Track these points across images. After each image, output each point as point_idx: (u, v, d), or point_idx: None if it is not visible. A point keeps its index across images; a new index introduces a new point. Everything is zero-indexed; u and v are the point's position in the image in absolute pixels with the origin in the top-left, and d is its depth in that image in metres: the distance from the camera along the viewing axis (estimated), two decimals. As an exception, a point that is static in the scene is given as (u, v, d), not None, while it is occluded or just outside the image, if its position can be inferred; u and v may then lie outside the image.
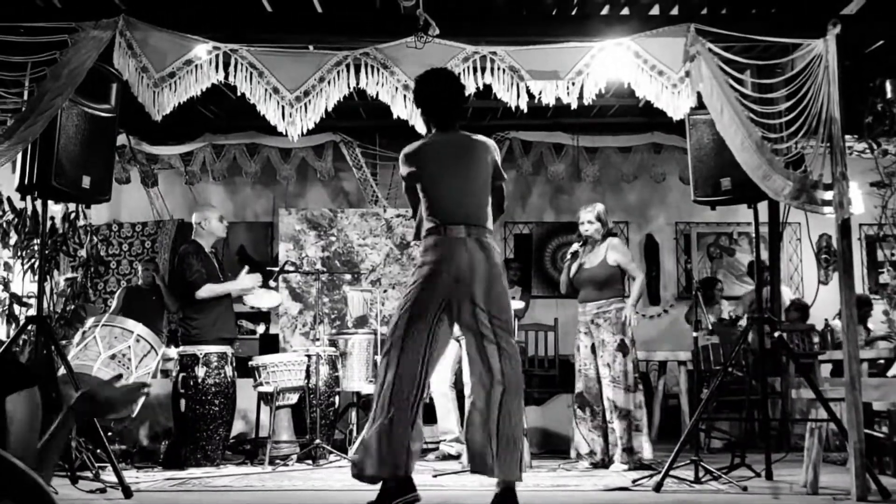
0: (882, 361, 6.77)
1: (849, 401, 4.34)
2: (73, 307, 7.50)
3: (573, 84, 4.98)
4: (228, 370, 6.14)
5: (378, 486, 3.77)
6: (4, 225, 7.32)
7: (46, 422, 2.35)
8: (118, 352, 5.39)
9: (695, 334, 5.55)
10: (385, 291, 8.72)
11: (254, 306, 6.70)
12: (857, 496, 4.21)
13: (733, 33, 4.95)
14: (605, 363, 5.82)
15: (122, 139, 7.91)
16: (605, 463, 5.82)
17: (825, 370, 7.89)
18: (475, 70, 5.00)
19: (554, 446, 6.98)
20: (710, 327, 6.65)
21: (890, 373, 6.30)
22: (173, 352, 6.46)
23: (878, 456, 5.43)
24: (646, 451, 5.76)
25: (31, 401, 2.27)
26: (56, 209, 7.22)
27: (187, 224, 9.26)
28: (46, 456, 2.31)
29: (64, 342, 5.72)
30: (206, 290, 6.17)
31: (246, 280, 6.41)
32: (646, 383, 7.28)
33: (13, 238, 7.27)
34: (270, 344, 8.32)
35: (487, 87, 5.10)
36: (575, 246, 6.02)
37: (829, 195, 4.51)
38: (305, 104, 5.01)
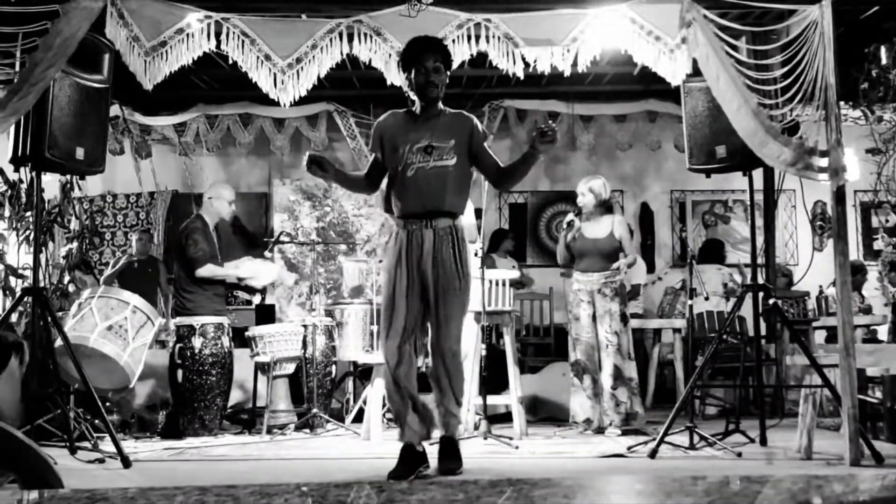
0: (875, 328, 6.80)
1: (843, 367, 4.36)
2: (69, 279, 7.49)
3: (568, 51, 4.96)
4: (225, 340, 6.16)
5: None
6: (-1, 196, 7.29)
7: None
8: (115, 323, 5.39)
9: (689, 302, 5.57)
10: (380, 262, 8.72)
11: (249, 285, 6.70)
12: (850, 461, 4.24)
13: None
14: (613, 331, 5.89)
15: (115, 110, 7.84)
16: (600, 429, 5.87)
17: (819, 337, 7.93)
18: (469, 38, 4.97)
19: (549, 413, 7.02)
20: (707, 296, 6.65)
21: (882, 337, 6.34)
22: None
23: (871, 421, 5.48)
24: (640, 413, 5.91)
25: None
26: (51, 180, 7.18)
27: (182, 195, 9.25)
28: None
29: (60, 314, 5.72)
30: (207, 271, 6.18)
31: (246, 268, 6.43)
32: (641, 351, 7.30)
33: (7, 210, 7.24)
34: (266, 314, 8.32)
35: (482, 55, 5.07)
36: (570, 216, 6.06)
37: (824, 162, 4.49)
38: (297, 71, 4.98)
